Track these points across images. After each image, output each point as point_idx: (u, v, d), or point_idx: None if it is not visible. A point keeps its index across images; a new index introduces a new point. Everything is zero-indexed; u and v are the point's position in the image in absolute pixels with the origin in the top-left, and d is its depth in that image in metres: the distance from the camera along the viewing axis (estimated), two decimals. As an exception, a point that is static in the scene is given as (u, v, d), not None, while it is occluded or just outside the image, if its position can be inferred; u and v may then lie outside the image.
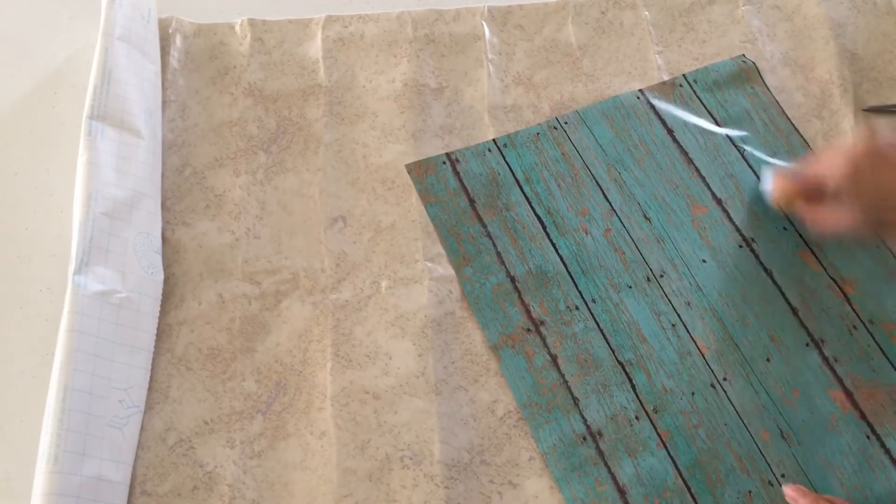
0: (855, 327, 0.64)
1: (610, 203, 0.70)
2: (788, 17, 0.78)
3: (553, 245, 0.68)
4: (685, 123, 0.73)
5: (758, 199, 0.69)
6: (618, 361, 0.63)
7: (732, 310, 0.65)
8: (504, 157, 0.71)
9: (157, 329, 0.64)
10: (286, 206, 0.70)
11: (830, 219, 0.62)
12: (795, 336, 0.64)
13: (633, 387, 0.62)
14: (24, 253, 0.68)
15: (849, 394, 0.62)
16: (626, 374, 0.63)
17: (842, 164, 0.59)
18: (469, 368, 0.64)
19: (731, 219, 0.69)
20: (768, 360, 0.63)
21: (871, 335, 0.64)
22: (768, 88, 0.75)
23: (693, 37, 0.77)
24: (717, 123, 0.73)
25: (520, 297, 0.66)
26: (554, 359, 0.63)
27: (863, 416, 0.61)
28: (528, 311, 0.65)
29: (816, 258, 0.67)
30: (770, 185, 0.67)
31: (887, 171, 0.58)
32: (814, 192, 0.63)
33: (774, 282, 0.66)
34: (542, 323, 0.65)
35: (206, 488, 0.59)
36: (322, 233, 0.68)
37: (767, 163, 0.71)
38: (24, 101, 0.75)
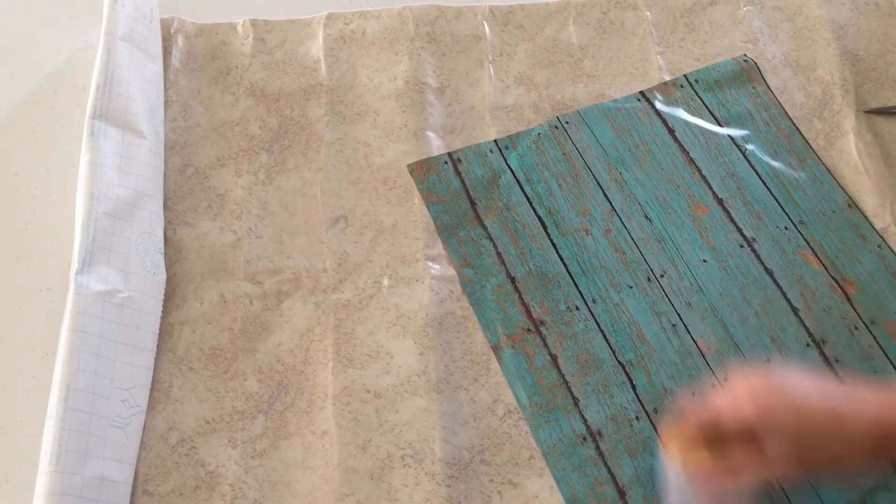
0: (856, 328, 0.64)
1: (611, 203, 0.70)
2: (790, 18, 0.78)
3: (553, 245, 0.68)
4: (686, 123, 0.73)
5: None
6: (618, 362, 0.63)
7: (733, 310, 0.65)
8: (505, 158, 0.71)
9: (159, 329, 0.64)
10: (288, 206, 0.70)
11: (750, 467, 0.51)
12: (796, 336, 0.64)
13: (634, 387, 0.62)
14: (24, 253, 0.68)
15: (849, 394, 0.62)
16: (627, 374, 0.63)
17: (747, 402, 0.51)
18: (470, 368, 0.64)
19: (732, 219, 0.69)
20: (769, 360, 0.63)
21: (873, 336, 0.64)
22: (770, 88, 0.75)
23: (694, 37, 0.77)
24: (718, 123, 0.73)
25: (520, 297, 0.66)
26: (554, 359, 0.63)
27: (863, 417, 0.61)
28: (528, 312, 0.65)
29: (817, 257, 0.67)
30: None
31: (797, 409, 0.50)
32: (714, 438, 0.51)
33: (775, 281, 0.66)
34: (543, 323, 0.65)
35: (207, 488, 0.59)
36: (324, 232, 0.68)
37: (771, 166, 0.70)
38: (24, 101, 0.74)
